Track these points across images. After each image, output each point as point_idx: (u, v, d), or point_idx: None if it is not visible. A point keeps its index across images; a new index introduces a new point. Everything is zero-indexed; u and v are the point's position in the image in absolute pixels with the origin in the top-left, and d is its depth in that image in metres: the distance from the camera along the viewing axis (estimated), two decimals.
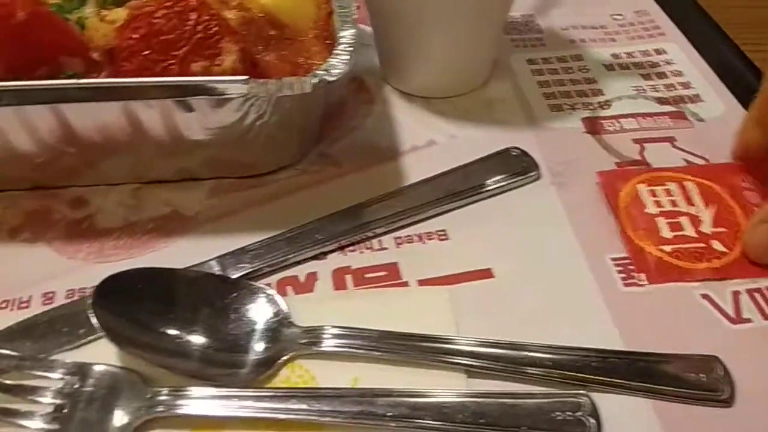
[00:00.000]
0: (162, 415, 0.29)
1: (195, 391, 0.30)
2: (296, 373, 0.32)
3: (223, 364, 0.31)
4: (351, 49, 0.36)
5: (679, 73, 0.49)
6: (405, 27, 0.43)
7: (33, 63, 0.36)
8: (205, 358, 0.31)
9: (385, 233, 0.38)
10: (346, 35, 0.37)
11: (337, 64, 0.35)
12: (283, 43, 0.38)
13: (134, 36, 0.34)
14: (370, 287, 0.35)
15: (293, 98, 0.34)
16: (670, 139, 0.44)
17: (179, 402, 0.30)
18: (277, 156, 0.41)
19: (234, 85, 0.33)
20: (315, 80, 0.34)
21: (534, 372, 0.31)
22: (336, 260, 0.37)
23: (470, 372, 0.31)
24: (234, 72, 0.34)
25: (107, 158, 0.39)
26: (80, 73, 0.37)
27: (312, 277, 0.36)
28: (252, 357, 0.32)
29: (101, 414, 0.29)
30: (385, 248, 0.37)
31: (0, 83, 0.33)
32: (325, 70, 0.35)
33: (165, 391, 0.30)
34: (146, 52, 0.34)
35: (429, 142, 0.44)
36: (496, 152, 0.42)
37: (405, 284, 0.35)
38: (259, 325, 0.33)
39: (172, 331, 0.32)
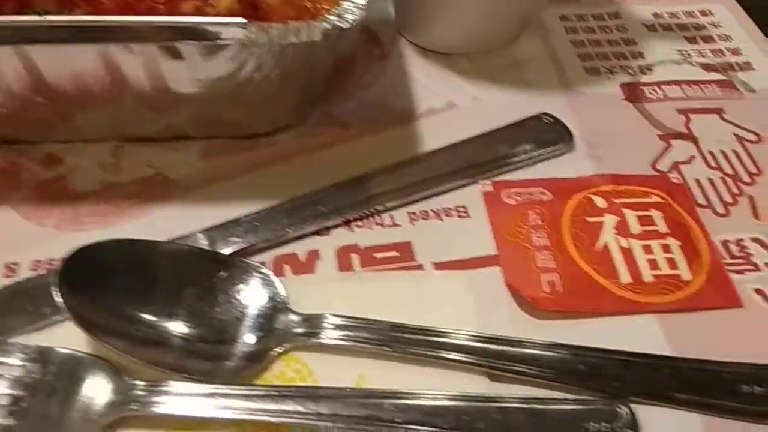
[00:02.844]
0: (135, 414, 0.25)
1: (174, 386, 0.26)
2: (292, 368, 0.28)
3: (207, 356, 0.27)
4: None
5: (728, 38, 0.44)
6: None
7: None
8: (187, 349, 0.27)
9: (398, 207, 0.33)
10: None
11: (352, 9, 0.30)
12: None
13: None
14: (380, 269, 0.31)
15: (298, 48, 0.29)
16: (719, 111, 0.39)
17: (155, 399, 0.25)
18: (276, 115, 0.36)
19: (230, 29, 0.28)
20: (327, 26, 0.29)
21: (566, 377, 0.27)
22: (341, 237, 0.32)
23: (492, 374, 0.27)
24: (230, 14, 0.29)
25: (83, 110, 0.34)
26: (52, 10, 0.31)
27: (313, 255, 0.31)
28: (241, 348, 0.27)
29: (64, 409, 0.25)
30: (398, 224, 0.33)
31: None
32: (338, 15, 0.29)
33: (140, 385, 0.26)
34: None
35: (449, 105, 0.39)
36: (525, 119, 0.37)
37: (419, 267, 0.31)
38: (251, 311, 0.28)
39: (148, 316, 0.27)
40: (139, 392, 0.26)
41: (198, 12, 0.30)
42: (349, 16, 0.29)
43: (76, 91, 0.32)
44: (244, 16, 0.29)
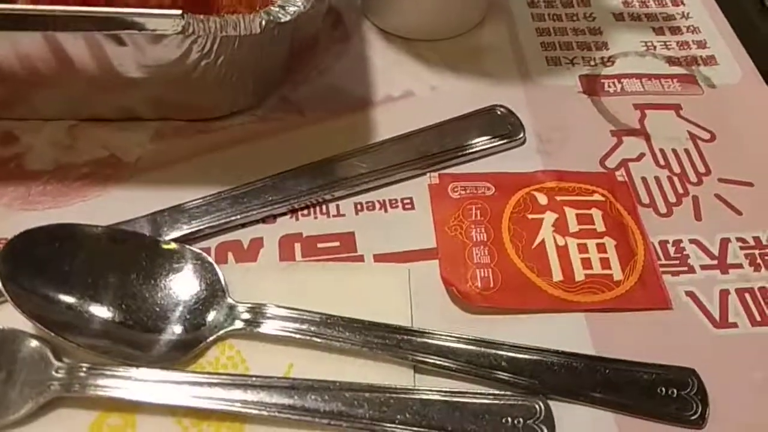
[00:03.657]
0: (67, 395, 0.26)
1: (111, 370, 0.27)
2: (226, 355, 0.28)
3: (142, 342, 0.28)
4: None
5: (696, 30, 0.44)
6: None
7: None
8: (123, 334, 0.28)
9: (345, 197, 0.34)
10: None
11: (296, 1, 0.30)
12: None
13: None
14: (321, 259, 0.32)
15: (242, 39, 0.29)
16: (676, 107, 0.39)
17: (89, 381, 0.26)
18: (230, 99, 0.36)
19: (166, 21, 0.28)
20: (264, 19, 0.29)
21: (487, 372, 0.28)
22: (286, 225, 0.33)
23: (418, 367, 0.28)
24: (173, 4, 0.29)
25: (37, 91, 0.34)
26: None
27: (257, 243, 0.32)
28: (176, 334, 0.28)
29: (1, 386, 0.26)
30: (343, 215, 0.33)
31: None
32: (281, 6, 0.29)
33: (77, 367, 0.27)
34: None
35: (406, 93, 0.39)
36: (478, 110, 0.38)
37: (360, 258, 0.32)
38: (190, 298, 0.29)
39: (86, 301, 0.28)
40: (76, 374, 0.27)
41: (141, 2, 0.30)
42: (292, 8, 0.29)
43: (26, 74, 0.32)
44: (193, 6, 0.29)
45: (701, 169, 0.36)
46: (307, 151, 0.35)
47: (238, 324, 0.28)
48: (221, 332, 0.28)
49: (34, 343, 0.28)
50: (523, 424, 0.27)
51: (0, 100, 0.35)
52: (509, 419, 0.27)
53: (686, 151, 0.37)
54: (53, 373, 0.27)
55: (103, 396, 0.26)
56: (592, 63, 0.41)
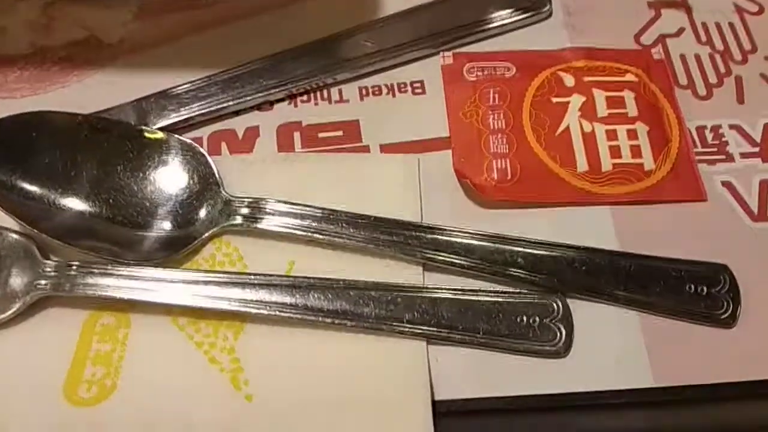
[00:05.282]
0: (55, 294, 0.25)
1: (101, 268, 0.25)
2: (223, 252, 0.27)
3: (130, 238, 0.26)
4: None
5: None
6: None
7: None
8: (110, 230, 0.26)
9: (348, 80, 0.31)
10: None
11: None
12: None
13: None
14: (322, 150, 0.29)
15: None
16: None
17: (79, 280, 0.25)
18: None
19: None
20: None
21: (502, 269, 0.26)
22: (284, 112, 0.30)
23: (427, 264, 0.26)
24: None
25: None
26: None
27: (253, 132, 0.29)
28: (168, 230, 0.26)
29: None
30: (346, 100, 0.30)
31: None
32: None
33: (63, 265, 0.25)
34: None
35: None
36: None
37: (365, 149, 0.29)
38: (181, 191, 0.27)
39: (68, 196, 0.26)
40: (66, 273, 0.25)
41: None
42: None
43: None
44: None
45: (747, 45, 0.32)
46: (307, 28, 0.32)
47: (235, 220, 0.26)
48: (216, 228, 0.26)
49: (18, 239, 0.26)
50: (539, 323, 0.25)
51: None
52: (524, 317, 0.25)
53: (731, 25, 0.33)
54: (41, 271, 0.25)
55: (94, 295, 0.25)
56: None
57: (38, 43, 0.32)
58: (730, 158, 0.29)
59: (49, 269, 0.25)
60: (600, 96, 0.30)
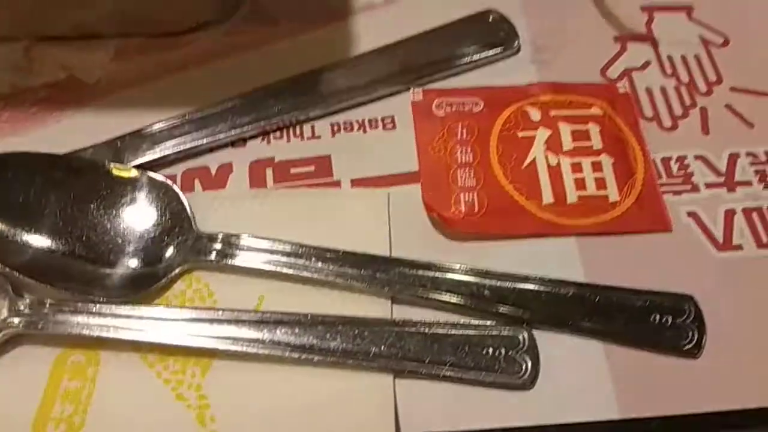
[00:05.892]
0: (26, 332, 0.25)
1: (72, 306, 0.25)
2: (193, 287, 0.27)
3: (102, 275, 0.26)
4: None
5: None
6: None
7: None
8: (82, 268, 0.26)
9: (320, 117, 0.31)
10: None
11: None
12: None
13: None
14: (294, 185, 0.29)
15: None
16: (687, 9, 0.35)
17: (50, 318, 0.25)
18: (196, 10, 0.33)
19: None
20: None
21: (469, 302, 0.26)
22: (256, 149, 0.31)
23: (396, 299, 0.26)
24: None
25: None
26: None
27: (226, 169, 0.30)
28: (139, 267, 0.27)
29: None
30: (318, 137, 0.31)
31: None
32: None
33: (35, 303, 0.26)
34: None
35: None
36: (468, 16, 0.34)
37: (337, 184, 0.30)
38: (152, 228, 0.28)
39: (41, 234, 0.27)
40: (40, 311, 0.25)
41: None
42: None
43: None
44: None
45: (712, 77, 0.33)
46: (279, 67, 0.32)
47: (206, 256, 0.27)
48: (187, 265, 0.27)
49: None
50: (504, 355, 0.25)
51: None
52: (491, 350, 0.25)
53: (696, 57, 0.34)
54: (14, 309, 0.26)
55: (64, 333, 0.25)
56: None
57: (18, 84, 0.33)
58: (695, 188, 0.29)
59: (22, 307, 0.26)
60: (565, 129, 0.30)
